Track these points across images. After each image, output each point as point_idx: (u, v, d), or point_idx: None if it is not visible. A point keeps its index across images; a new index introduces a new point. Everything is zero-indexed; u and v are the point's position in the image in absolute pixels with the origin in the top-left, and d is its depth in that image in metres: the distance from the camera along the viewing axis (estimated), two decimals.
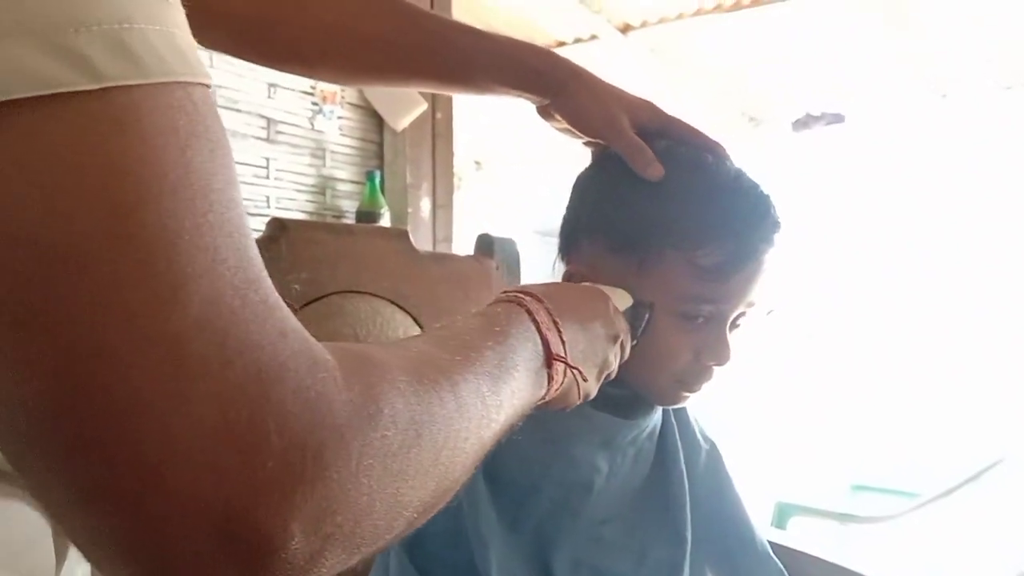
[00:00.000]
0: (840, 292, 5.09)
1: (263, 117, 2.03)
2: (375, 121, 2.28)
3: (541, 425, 0.68)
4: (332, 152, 2.20)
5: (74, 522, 0.25)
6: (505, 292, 0.51)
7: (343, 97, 2.19)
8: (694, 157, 0.67)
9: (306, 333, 0.28)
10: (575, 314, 0.52)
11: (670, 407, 0.74)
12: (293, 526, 0.25)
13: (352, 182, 2.25)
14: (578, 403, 0.54)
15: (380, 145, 2.30)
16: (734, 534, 0.78)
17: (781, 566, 0.79)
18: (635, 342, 0.63)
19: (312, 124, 2.14)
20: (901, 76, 3.54)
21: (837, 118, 4.01)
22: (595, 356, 0.54)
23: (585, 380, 0.51)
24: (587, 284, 0.63)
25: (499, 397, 0.40)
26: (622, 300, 0.62)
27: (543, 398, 0.48)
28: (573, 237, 0.70)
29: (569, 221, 0.71)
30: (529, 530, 0.66)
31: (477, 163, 5.42)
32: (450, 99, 2.27)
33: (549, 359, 0.47)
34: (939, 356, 4.84)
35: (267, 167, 2.04)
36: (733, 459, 0.82)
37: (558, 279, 0.71)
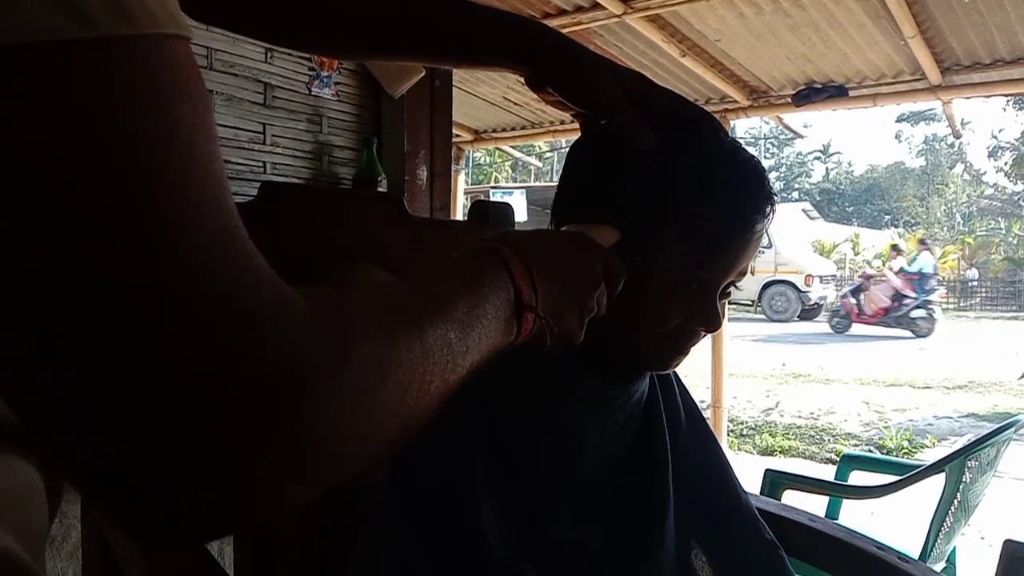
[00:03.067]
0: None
1: (260, 82, 2.01)
2: (373, 87, 2.26)
3: (536, 391, 0.68)
4: (329, 118, 2.19)
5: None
6: (484, 241, 0.52)
7: (340, 63, 2.17)
8: (688, 129, 0.66)
9: (279, 280, 0.30)
10: (552, 262, 0.53)
11: (658, 371, 0.75)
12: (264, 464, 0.28)
13: (349, 149, 2.23)
14: (559, 346, 0.55)
15: (378, 112, 2.28)
16: (718, 498, 0.79)
17: (767, 529, 0.80)
18: (634, 272, 0.62)
19: (309, 90, 2.13)
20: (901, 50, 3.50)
21: (840, 91, 3.98)
22: (572, 301, 0.55)
23: (554, 330, 0.53)
24: (572, 230, 0.62)
25: (466, 343, 0.42)
26: (609, 236, 0.62)
27: (512, 343, 0.50)
28: (569, 208, 0.70)
29: (564, 192, 0.71)
30: (523, 492, 0.66)
31: (476, 132, 5.38)
32: None
33: (520, 308, 0.49)
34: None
35: (264, 132, 2.03)
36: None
37: None
